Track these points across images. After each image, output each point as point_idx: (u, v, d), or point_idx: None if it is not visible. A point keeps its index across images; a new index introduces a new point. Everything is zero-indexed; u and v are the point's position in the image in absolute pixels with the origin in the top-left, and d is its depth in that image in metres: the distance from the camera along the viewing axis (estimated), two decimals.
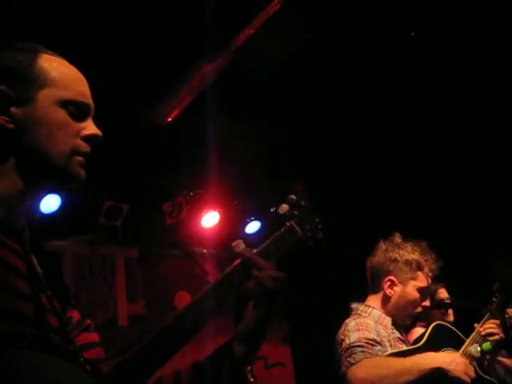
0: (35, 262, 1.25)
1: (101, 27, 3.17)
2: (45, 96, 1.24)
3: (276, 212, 1.47)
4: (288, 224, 1.42)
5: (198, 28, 3.15)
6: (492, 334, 2.97)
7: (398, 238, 2.95)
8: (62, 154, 1.23)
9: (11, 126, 1.21)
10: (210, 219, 4.79)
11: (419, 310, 2.92)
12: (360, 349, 2.60)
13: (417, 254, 2.89)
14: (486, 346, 2.85)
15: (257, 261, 1.39)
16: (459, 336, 2.99)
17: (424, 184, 4.78)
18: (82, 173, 1.28)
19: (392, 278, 2.87)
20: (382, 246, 2.96)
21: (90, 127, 1.29)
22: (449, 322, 3.45)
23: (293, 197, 1.49)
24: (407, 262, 2.87)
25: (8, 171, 1.22)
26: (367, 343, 2.63)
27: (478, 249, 4.45)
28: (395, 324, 2.88)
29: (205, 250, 5.28)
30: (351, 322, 2.75)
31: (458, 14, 3.54)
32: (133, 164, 4.21)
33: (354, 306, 2.94)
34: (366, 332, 2.68)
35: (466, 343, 2.87)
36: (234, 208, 4.96)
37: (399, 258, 2.88)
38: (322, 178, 4.85)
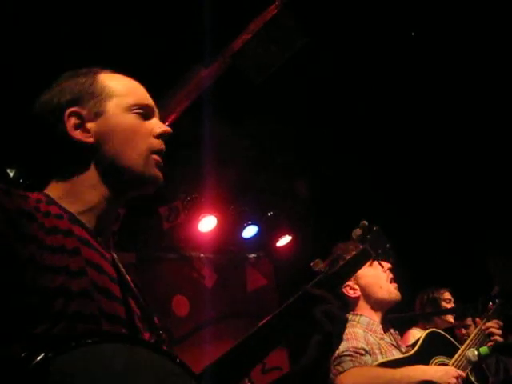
0: (122, 268, 1.34)
1: (99, 31, 3.17)
2: (112, 106, 1.34)
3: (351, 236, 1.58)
4: (362, 247, 1.52)
5: (195, 33, 3.15)
6: (492, 334, 2.97)
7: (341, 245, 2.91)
8: (141, 154, 1.32)
9: (91, 139, 1.30)
10: (206, 223, 4.79)
11: (389, 275, 2.87)
12: (349, 358, 2.60)
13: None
14: (484, 350, 2.85)
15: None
16: (453, 343, 2.98)
17: (421, 186, 4.79)
18: (160, 174, 1.36)
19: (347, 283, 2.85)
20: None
21: (158, 125, 1.38)
22: (449, 323, 3.46)
23: (365, 222, 1.61)
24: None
25: (95, 182, 1.31)
26: (356, 352, 2.62)
27: (476, 251, 4.45)
28: (382, 322, 2.86)
29: (202, 255, 5.28)
30: None
31: (458, 15, 3.55)
32: None
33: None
34: (354, 341, 2.68)
35: (460, 351, 2.87)
36: (231, 212, 4.96)
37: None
38: (321, 178, 4.87)
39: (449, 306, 3.80)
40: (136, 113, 1.35)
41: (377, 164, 4.68)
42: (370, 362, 2.62)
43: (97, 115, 1.33)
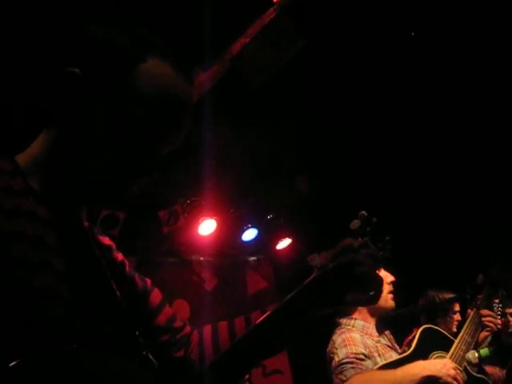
0: (98, 251, 1.18)
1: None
2: (115, 101, 1.08)
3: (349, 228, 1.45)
4: (362, 240, 1.38)
5: (194, 37, 3.16)
6: (486, 326, 2.98)
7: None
8: (99, 172, 1.10)
9: (65, 114, 1.09)
10: (206, 227, 4.79)
11: (389, 287, 2.92)
12: (350, 365, 2.61)
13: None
14: (484, 352, 2.86)
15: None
16: (447, 337, 3.00)
17: (421, 188, 4.79)
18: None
19: None
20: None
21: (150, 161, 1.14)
22: (451, 332, 3.45)
23: (364, 213, 1.48)
24: None
25: (48, 165, 1.11)
26: (356, 358, 2.63)
27: (474, 251, 4.46)
28: (380, 325, 2.87)
29: (202, 258, 5.28)
30: (338, 339, 2.76)
31: (458, 15, 3.56)
32: None
33: (338, 320, 2.95)
34: (353, 347, 2.69)
35: (455, 343, 2.88)
36: (231, 216, 4.96)
37: None
38: (321, 181, 4.87)
39: (455, 316, 3.73)
40: (127, 125, 1.08)
41: (378, 167, 4.68)
42: (370, 366, 2.63)
43: (93, 96, 1.08)
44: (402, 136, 4.46)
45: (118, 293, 1.15)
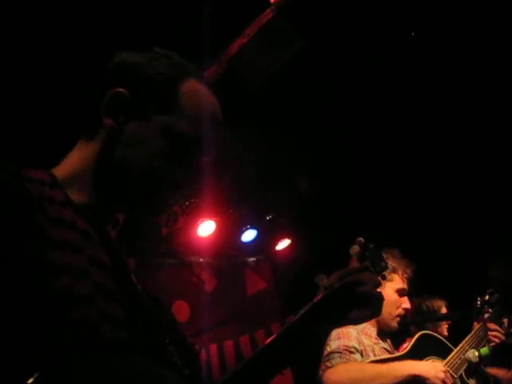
0: (128, 267, 1.24)
1: (95, 35, 3.18)
2: (162, 120, 1.17)
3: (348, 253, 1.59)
4: (363, 264, 1.51)
5: (191, 37, 3.16)
6: (491, 340, 2.97)
7: None
8: (151, 184, 1.17)
9: (114, 132, 1.16)
10: (205, 228, 4.79)
11: (400, 311, 2.92)
12: (338, 354, 2.62)
13: (390, 258, 2.89)
14: (484, 351, 2.85)
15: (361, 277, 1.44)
16: (447, 345, 2.98)
17: (421, 190, 4.79)
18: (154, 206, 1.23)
19: None
20: None
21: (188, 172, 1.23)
22: (443, 336, 3.42)
23: (361, 239, 1.60)
24: None
25: (93, 177, 1.17)
26: (346, 350, 2.65)
27: (474, 253, 4.45)
28: (382, 334, 2.88)
29: (201, 259, 5.27)
30: (333, 332, 2.77)
31: (458, 15, 3.56)
32: None
33: None
34: (346, 340, 2.70)
35: (454, 352, 2.86)
36: (230, 217, 4.96)
37: None
38: (320, 181, 4.87)
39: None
40: (175, 142, 1.17)
41: (378, 168, 4.68)
42: (359, 360, 2.63)
43: (140, 115, 1.17)
44: (403, 137, 4.45)
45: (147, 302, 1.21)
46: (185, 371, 1.15)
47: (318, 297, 1.40)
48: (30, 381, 0.84)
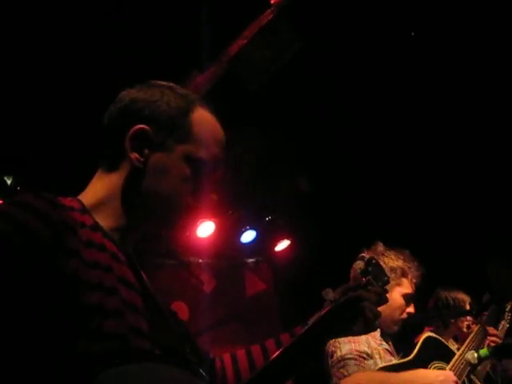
0: (148, 284, 1.38)
1: (95, 36, 3.18)
2: (183, 150, 1.30)
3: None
4: (366, 279, 1.56)
5: (191, 39, 3.16)
6: (490, 342, 2.98)
7: (380, 247, 2.94)
8: (180, 206, 1.32)
9: (140, 165, 1.29)
10: (205, 229, 4.78)
11: (404, 316, 2.92)
12: (353, 361, 2.60)
13: (401, 261, 2.89)
14: (483, 352, 2.86)
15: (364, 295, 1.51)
16: (448, 348, 2.99)
17: (421, 189, 4.79)
18: (182, 224, 1.37)
19: None
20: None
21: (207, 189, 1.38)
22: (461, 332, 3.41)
23: (364, 255, 1.66)
24: (392, 269, 2.86)
25: (123, 205, 1.30)
26: (359, 356, 2.62)
27: (474, 253, 4.46)
28: (384, 335, 2.88)
29: (200, 260, 5.27)
30: None
31: (458, 15, 3.56)
32: None
33: None
34: (357, 344, 2.68)
35: (456, 356, 2.87)
36: (229, 218, 4.96)
37: (384, 266, 2.88)
38: (319, 182, 4.87)
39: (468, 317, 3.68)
40: (194, 167, 1.31)
41: (377, 169, 4.68)
42: (372, 366, 2.63)
43: (163, 148, 1.30)
44: (403, 137, 4.45)
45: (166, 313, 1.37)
46: (206, 377, 1.27)
47: (325, 310, 1.46)
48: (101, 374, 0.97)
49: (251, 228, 5.11)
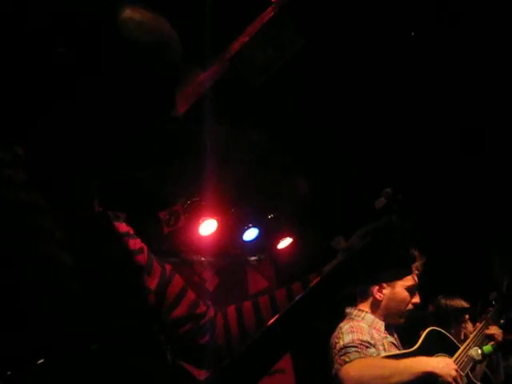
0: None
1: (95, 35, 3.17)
2: (116, 62, 1.06)
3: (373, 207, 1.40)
4: (388, 218, 1.34)
5: (193, 36, 3.15)
6: (494, 339, 2.99)
7: None
8: None
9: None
10: (207, 227, 4.78)
11: (410, 307, 2.94)
12: (354, 349, 2.62)
13: None
14: (487, 348, 2.87)
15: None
16: (453, 342, 3.00)
17: (425, 187, 4.78)
18: None
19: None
20: None
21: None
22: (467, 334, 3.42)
23: (389, 190, 1.42)
24: None
25: None
26: (361, 344, 2.65)
27: (478, 251, 4.45)
28: (388, 327, 2.88)
29: (203, 258, 5.27)
30: (345, 325, 2.77)
31: (458, 15, 3.55)
32: None
33: (348, 310, 2.97)
34: (360, 334, 2.70)
35: (460, 350, 2.88)
36: (232, 216, 4.96)
37: None
38: (321, 180, 4.87)
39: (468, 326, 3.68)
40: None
41: (379, 167, 4.68)
42: (374, 354, 2.64)
43: (95, 66, 1.08)
44: (404, 135, 4.45)
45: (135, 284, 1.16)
46: (169, 359, 1.11)
47: (333, 263, 1.27)
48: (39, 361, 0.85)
49: (254, 226, 5.11)
